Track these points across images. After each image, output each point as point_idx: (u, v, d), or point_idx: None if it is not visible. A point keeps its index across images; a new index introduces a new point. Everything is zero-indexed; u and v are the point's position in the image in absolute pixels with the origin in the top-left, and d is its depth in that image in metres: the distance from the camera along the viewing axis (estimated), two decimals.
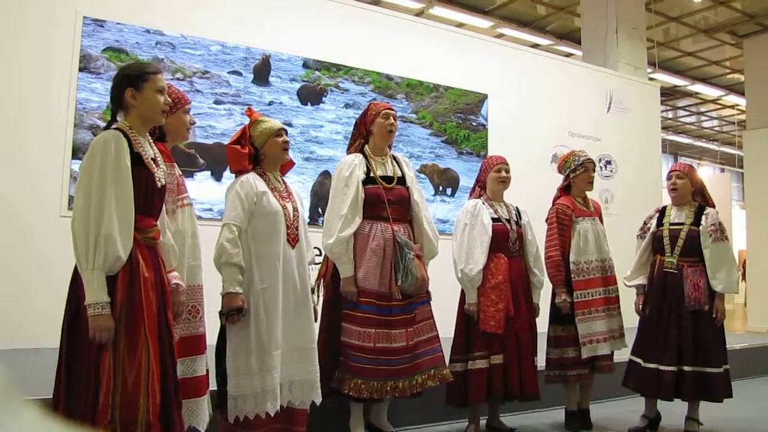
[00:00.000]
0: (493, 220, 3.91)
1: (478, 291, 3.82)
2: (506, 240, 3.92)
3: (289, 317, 3.01)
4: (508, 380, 3.78)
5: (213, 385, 2.99)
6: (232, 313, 2.86)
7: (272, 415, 2.88)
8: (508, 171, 4.05)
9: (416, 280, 3.45)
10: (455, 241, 3.93)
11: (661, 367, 3.96)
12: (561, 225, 4.14)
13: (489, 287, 3.80)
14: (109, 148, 2.26)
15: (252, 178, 3.03)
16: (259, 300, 2.93)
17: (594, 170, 4.29)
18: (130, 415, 2.16)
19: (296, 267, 3.06)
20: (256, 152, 3.12)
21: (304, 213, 3.23)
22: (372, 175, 3.59)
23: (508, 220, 3.98)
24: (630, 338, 4.21)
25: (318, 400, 3.10)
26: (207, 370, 2.85)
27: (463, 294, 3.94)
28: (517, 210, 4.10)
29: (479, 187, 4.12)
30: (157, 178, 2.41)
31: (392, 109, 3.74)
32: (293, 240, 3.06)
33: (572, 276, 4.07)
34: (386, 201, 3.54)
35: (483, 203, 3.97)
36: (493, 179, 4.03)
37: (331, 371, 3.39)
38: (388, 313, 3.44)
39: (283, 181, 3.21)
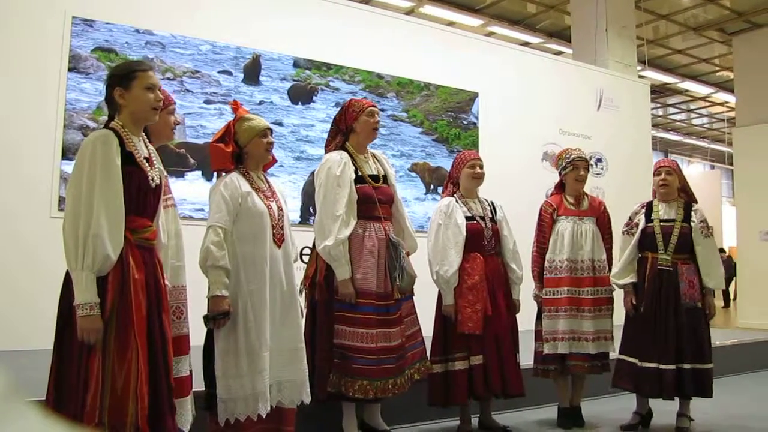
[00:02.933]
0: (468, 218, 3.87)
1: (455, 292, 3.79)
2: (481, 238, 3.88)
3: (277, 318, 2.99)
4: (489, 380, 3.76)
5: (201, 387, 2.99)
6: (219, 317, 2.83)
7: (263, 416, 2.87)
8: (481, 167, 4.00)
9: (410, 278, 3.48)
10: (429, 242, 3.89)
11: (662, 366, 3.93)
12: (541, 222, 4.20)
13: (465, 288, 3.77)
14: (96, 148, 2.25)
15: (235, 179, 2.98)
16: (247, 301, 2.90)
17: (586, 169, 4.23)
18: (119, 418, 2.14)
19: (282, 267, 3.04)
20: (240, 150, 3.07)
21: (288, 211, 3.20)
22: (360, 173, 3.53)
23: (483, 218, 3.94)
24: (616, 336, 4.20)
25: (307, 400, 3.08)
26: (190, 371, 2.84)
27: (440, 295, 3.91)
28: (492, 205, 4.05)
29: (452, 184, 4.06)
30: (150, 178, 2.39)
31: (376, 106, 3.65)
32: (279, 240, 3.03)
33: (545, 273, 4.12)
34: (377, 200, 3.51)
35: (456, 201, 3.93)
36: (466, 176, 3.97)
37: (327, 374, 3.35)
38: (386, 312, 3.42)
39: (266, 179, 3.17)
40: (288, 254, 3.10)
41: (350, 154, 3.56)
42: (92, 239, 2.17)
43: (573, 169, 4.19)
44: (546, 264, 4.12)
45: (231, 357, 2.86)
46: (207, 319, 2.86)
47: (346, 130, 3.62)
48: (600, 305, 4.10)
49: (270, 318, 2.94)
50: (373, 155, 3.71)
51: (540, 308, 4.16)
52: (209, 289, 2.87)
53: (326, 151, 3.65)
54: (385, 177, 3.65)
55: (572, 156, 4.22)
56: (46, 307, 2.60)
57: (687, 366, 3.93)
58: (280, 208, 3.08)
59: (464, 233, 3.80)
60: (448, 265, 3.77)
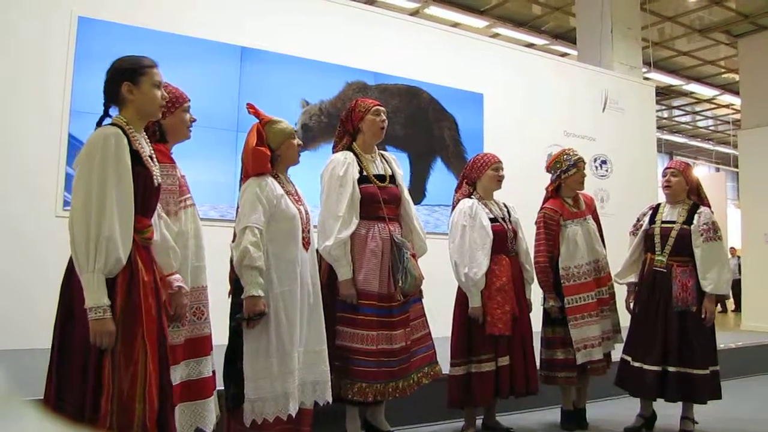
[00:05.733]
0: (491, 220, 3.85)
1: (482, 294, 3.77)
2: (505, 240, 3.87)
3: (305, 320, 3.01)
4: (514, 380, 3.78)
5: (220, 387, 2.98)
6: (255, 317, 2.82)
7: (294, 416, 2.88)
8: (503, 170, 4.01)
9: (415, 279, 3.43)
10: (453, 243, 3.84)
11: (645, 366, 3.95)
12: (548, 230, 4.07)
13: (495, 289, 3.75)
14: (110, 144, 2.18)
15: (270, 181, 2.98)
16: (278, 303, 2.90)
17: (584, 168, 4.23)
18: (126, 420, 2.11)
19: (309, 269, 3.07)
20: (271, 153, 3.04)
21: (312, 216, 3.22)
22: (365, 173, 3.51)
23: (503, 219, 3.94)
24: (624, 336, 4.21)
25: (329, 399, 3.10)
26: (213, 372, 2.82)
27: (460, 297, 3.89)
28: (506, 207, 4.05)
29: (468, 185, 4.03)
30: (154, 177, 2.35)
31: (382, 105, 3.64)
32: (306, 243, 3.06)
33: (562, 281, 4.02)
34: (382, 200, 3.49)
35: (478, 203, 3.91)
36: (489, 178, 3.95)
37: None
38: (389, 314, 3.40)
39: (293, 183, 3.18)
40: (313, 257, 3.14)
41: (356, 155, 3.55)
42: (105, 242, 2.11)
43: (577, 171, 4.16)
44: (561, 272, 4.02)
45: (261, 358, 2.86)
46: (242, 320, 2.84)
47: (353, 130, 3.62)
48: (610, 302, 4.17)
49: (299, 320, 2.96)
50: (381, 155, 3.70)
51: (549, 316, 4.09)
52: (245, 289, 2.84)
53: (334, 152, 3.64)
54: (393, 177, 3.64)
55: (574, 158, 4.17)
56: (49, 306, 2.60)
57: (672, 369, 3.90)
58: (307, 212, 3.11)
59: (491, 235, 3.78)
60: (477, 267, 3.74)
